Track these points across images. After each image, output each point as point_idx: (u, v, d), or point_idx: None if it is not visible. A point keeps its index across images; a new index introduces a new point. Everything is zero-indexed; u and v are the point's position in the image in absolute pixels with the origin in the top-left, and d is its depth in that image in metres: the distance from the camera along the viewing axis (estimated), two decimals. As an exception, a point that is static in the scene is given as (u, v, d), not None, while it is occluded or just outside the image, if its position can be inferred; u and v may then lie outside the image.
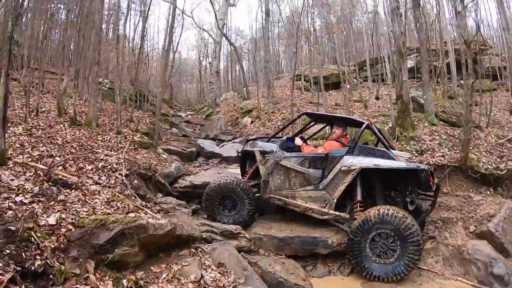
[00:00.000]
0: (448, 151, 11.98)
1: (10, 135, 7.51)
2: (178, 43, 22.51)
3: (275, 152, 6.79)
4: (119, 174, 6.94)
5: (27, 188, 4.63)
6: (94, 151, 8.06)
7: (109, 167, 7.08)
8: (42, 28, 14.07)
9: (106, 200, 5.09)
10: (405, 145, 12.09)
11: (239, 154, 7.94)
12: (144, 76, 21.80)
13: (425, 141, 12.50)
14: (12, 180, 4.87)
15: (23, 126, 8.52)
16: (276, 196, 6.70)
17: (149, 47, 28.62)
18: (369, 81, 22.48)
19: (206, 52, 39.87)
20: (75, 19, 12.56)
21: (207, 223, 6.36)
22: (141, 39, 16.52)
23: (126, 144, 9.27)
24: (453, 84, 18.89)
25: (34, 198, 4.42)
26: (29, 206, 4.19)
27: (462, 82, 20.30)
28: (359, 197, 6.00)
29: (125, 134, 10.42)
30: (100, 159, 7.43)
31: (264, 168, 6.85)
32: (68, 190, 4.90)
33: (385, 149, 6.30)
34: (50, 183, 4.79)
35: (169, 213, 6.46)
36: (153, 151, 9.93)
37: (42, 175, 4.98)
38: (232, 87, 38.47)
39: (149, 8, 17.55)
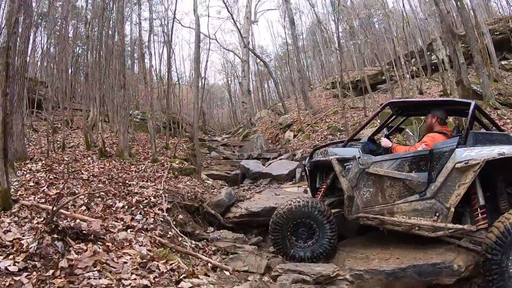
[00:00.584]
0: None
1: (25, 172, 6.04)
2: (206, 68, 20.98)
3: (359, 157, 5.02)
4: (158, 209, 5.24)
5: (24, 245, 2.97)
6: (127, 183, 6.41)
7: (145, 201, 5.38)
8: (69, 70, 13.04)
9: (141, 258, 3.28)
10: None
11: (307, 168, 6.04)
12: (175, 104, 20.43)
13: (492, 129, 10.52)
14: (8, 232, 3.25)
15: (43, 162, 7.04)
16: (366, 214, 4.91)
17: (176, 76, 27.43)
18: (407, 77, 20.28)
19: (234, 74, 38.56)
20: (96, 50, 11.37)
21: (291, 268, 4.40)
22: (168, 64, 15.14)
23: (164, 173, 7.61)
24: (494, 66, 16.64)
25: (28, 261, 2.72)
26: (16, 279, 2.49)
27: (503, 63, 18.37)
28: (481, 201, 4.28)
29: (162, 161, 8.78)
30: (134, 192, 5.75)
31: (347, 181, 5.07)
32: (82, 244, 3.15)
33: (506, 133, 4.86)
34: (54, 235, 3.04)
35: (230, 255, 4.70)
36: (197, 177, 8.22)
37: (43, 223, 3.26)
38: (263, 105, 36.88)
39: (171, 38, 16.14)
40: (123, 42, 10.62)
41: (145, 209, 5.05)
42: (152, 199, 5.50)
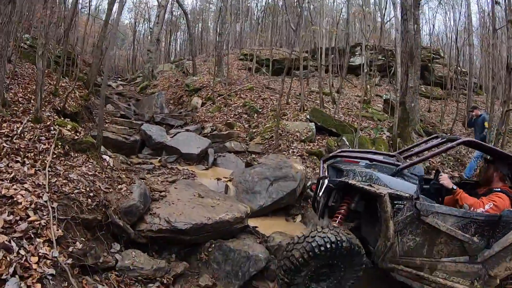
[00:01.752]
0: (451, 171, 9.58)
1: None
2: (124, 3, 17.08)
3: (416, 199, 3.80)
4: (44, 241, 2.99)
5: None
6: (-10, 165, 3.91)
7: (20, 225, 3.02)
8: None
9: None
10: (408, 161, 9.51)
11: (328, 184, 4.25)
12: (74, 35, 16.50)
13: (427, 157, 10.01)
14: None
15: None
16: (403, 267, 3.89)
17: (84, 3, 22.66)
18: (322, 72, 19.43)
19: (145, 17, 34.03)
20: None
21: None
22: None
23: (50, 146, 5.10)
24: (397, 77, 17.17)
25: None
26: None
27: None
28: None
29: (48, 122, 6.06)
30: (1, 196, 3.34)
31: (393, 224, 3.76)
32: None
33: None
34: None
35: None
36: (95, 157, 5.74)
37: None
38: (166, 58, 33.34)
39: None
40: None
41: (21, 250, 2.75)
42: (32, 216, 3.18)
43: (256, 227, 5.90)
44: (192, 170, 8.33)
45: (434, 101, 19.52)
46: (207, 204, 5.54)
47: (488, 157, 4.64)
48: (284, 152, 9.38)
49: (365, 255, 3.87)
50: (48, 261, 2.77)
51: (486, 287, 3.90)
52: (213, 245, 4.92)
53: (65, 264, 2.87)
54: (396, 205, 3.79)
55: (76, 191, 4.10)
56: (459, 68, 19.38)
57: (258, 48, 24.79)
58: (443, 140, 4.51)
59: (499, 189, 4.17)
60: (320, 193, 4.28)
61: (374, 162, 4.30)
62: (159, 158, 9.28)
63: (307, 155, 9.32)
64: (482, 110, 10.25)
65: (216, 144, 10.73)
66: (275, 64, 20.82)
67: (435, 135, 5.17)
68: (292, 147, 9.73)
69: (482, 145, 4.45)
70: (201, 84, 17.25)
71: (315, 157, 9.22)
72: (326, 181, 4.24)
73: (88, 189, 4.35)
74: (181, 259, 4.76)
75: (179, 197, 5.64)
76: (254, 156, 9.72)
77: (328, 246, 3.63)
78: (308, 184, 5.22)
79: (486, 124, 8.88)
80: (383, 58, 20.82)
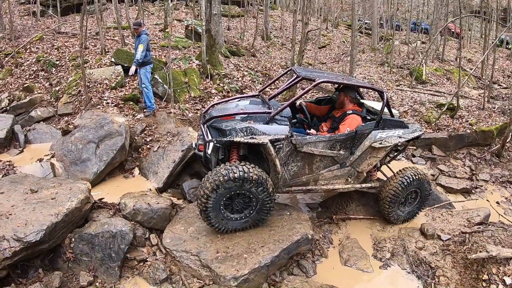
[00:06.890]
0: (261, 86, 10.32)
1: None
2: None
3: (291, 137, 4.74)
4: None
5: None
6: None
7: None
8: None
9: None
10: (221, 85, 9.99)
11: (216, 144, 4.67)
12: None
13: (238, 79, 10.47)
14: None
15: None
16: (293, 187, 5.12)
17: None
18: (116, 3, 17.33)
19: None
20: None
21: None
22: None
23: None
24: (201, 5, 16.99)
25: None
26: None
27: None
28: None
29: None
30: None
31: (278, 160, 4.71)
32: None
33: (400, 119, 5.69)
34: None
35: None
36: None
37: None
38: None
39: None
40: None
41: None
42: None
43: (102, 198, 5.58)
44: (7, 161, 6.88)
45: (233, 19, 19.71)
46: (45, 198, 4.78)
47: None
48: (99, 106, 8.38)
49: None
50: None
51: (357, 180, 5.33)
52: (72, 239, 4.54)
53: None
54: (277, 146, 4.63)
55: None
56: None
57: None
58: (298, 78, 5.37)
59: (350, 112, 5.30)
60: (209, 152, 4.68)
61: (248, 115, 4.80)
62: None
63: (123, 102, 8.58)
64: (145, 28, 8.55)
65: (20, 117, 8.93)
66: (62, 2, 17.64)
67: (290, 68, 6.15)
68: (105, 98, 8.72)
69: (333, 82, 5.46)
70: (-19, 46, 13.45)
71: (131, 103, 8.57)
72: (212, 143, 4.62)
73: None
74: (49, 269, 4.29)
75: (12, 203, 4.61)
76: (67, 118, 8.46)
77: (237, 175, 4.25)
78: (194, 145, 5.59)
79: (140, 46, 7.71)
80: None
